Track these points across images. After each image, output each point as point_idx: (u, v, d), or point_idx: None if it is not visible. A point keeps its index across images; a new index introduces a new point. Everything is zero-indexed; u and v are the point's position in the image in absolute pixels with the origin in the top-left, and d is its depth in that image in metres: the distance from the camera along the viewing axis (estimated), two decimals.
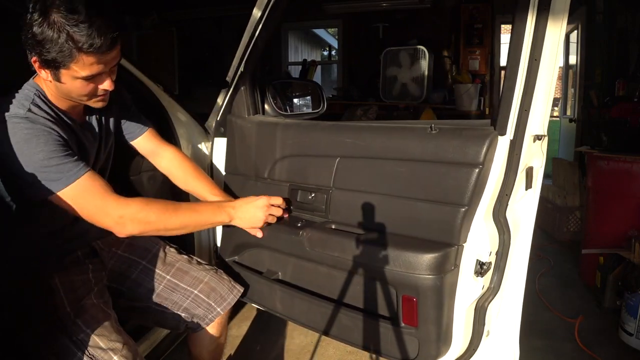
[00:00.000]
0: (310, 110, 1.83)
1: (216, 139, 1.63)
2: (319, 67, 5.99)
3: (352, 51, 5.43)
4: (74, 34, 0.90)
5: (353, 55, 5.42)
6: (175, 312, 1.25)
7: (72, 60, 0.93)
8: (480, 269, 1.07)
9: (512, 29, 0.97)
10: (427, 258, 1.04)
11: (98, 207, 1.02)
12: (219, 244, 1.63)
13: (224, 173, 1.58)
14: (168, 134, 1.51)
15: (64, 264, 1.12)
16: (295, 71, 6.01)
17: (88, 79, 0.98)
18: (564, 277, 2.70)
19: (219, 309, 1.27)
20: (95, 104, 1.07)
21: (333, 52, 8.58)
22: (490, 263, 1.08)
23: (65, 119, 1.06)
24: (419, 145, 1.10)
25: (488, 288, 1.12)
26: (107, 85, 1.02)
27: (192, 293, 1.26)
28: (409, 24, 4.81)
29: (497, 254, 1.10)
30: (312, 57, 7.07)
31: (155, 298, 1.25)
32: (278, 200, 1.27)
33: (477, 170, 1.01)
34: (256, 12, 1.29)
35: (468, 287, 1.08)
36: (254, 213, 1.23)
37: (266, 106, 1.56)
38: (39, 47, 0.91)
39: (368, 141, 1.19)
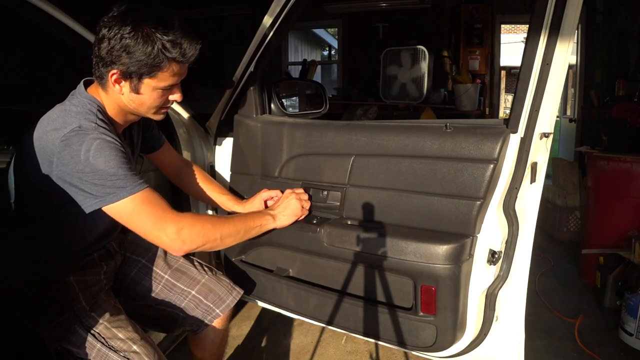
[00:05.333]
0: (313, 110, 1.83)
1: (219, 139, 1.63)
2: (319, 67, 5.99)
3: (352, 51, 5.43)
4: (167, 43, 0.96)
5: (353, 55, 5.42)
6: (174, 312, 1.26)
7: (162, 69, 0.98)
8: (492, 258, 1.14)
9: (527, 36, 1.04)
10: (446, 249, 1.10)
11: (157, 220, 1.00)
12: None
13: (228, 173, 1.58)
14: (168, 135, 1.51)
15: (80, 265, 1.14)
16: (295, 71, 6.01)
17: (166, 89, 1.03)
18: (564, 277, 2.70)
19: (217, 311, 1.27)
20: (158, 116, 1.11)
21: (333, 52, 8.58)
22: (501, 252, 1.15)
23: (120, 135, 1.08)
24: (435, 142, 1.15)
25: (498, 276, 1.18)
26: (178, 96, 1.07)
27: (189, 294, 1.26)
28: (409, 24, 4.81)
29: (506, 243, 1.16)
30: (312, 57, 7.07)
31: (153, 297, 1.26)
32: (300, 190, 1.32)
33: (492, 165, 1.08)
34: (267, 19, 1.31)
35: (481, 275, 1.16)
36: (289, 205, 1.28)
37: (272, 106, 1.57)
38: (129, 57, 0.95)
39: (384, 139, 1.23)
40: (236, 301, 1.31)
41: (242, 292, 1.33)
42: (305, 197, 1.33)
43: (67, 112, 0.99)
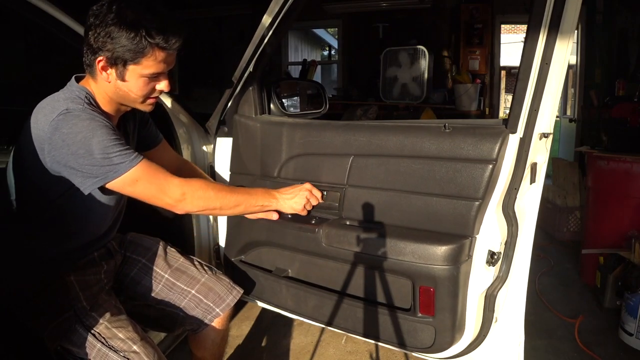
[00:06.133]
0: (313, 110, 1.83)
1: (219, 139, 1.63)
2: (319, 67, 5.99)
3: (352, 51, 5.43)
4: (151, 30, 0.97)
5: (353, 55, 5.42)
6: (174, 311, 1.26)
7: (145, 55, 0.99)
8: (491, 259, 1.13)
9: (526, 35, 1.03)
10: (444, 249, 1.09)
11: (160, 186, 1.05)
12: (221, 244, 1.64)
13: (227, 173, 1.58)
14: (168, 135, 1.51)
15: (81, 264, 1.14)
16: (295, 71, 6.01)
17: (152, 77, 1.03)
18: (564, 277, 2.70)
19: (217, 310, 1.27)
20: (146, 107, 1.11)
21: (333, 52, 8.58)
22: (500, 253, 1.14)
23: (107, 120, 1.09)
24: (434, 143, 1.15)
25: (497, 277, 1.18)
26: (164, 86, 1.08)
27: (189, 293, 1.26)
28: (409, 24, 4.81)
29: (505, 244, 1.16)
30: (312, 57, 7.07)
31: (153, 296, 1.26)
32: (318, 193, 1.32)
33: (490, 166, 1.08)
34: (266, 19, 1.31)
35: (480, 276, 1.15)
36: (296, 196, 1.28)
37: (271, 106, 1.57)
38: (113, 43, 0.96)
39: (383, 139, 1.23)
40: (236, 300, 1.31)
41: (242, 291, 1.33)
42: (315, 201, 1.31)
43: (56, 100, 1.01)
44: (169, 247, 1.34)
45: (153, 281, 1.27)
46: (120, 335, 1.04)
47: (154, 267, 1.28)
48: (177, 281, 1.27)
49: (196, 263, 1.33)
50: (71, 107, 0.97)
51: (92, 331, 1.03)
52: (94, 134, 0.96)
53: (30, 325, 1.07)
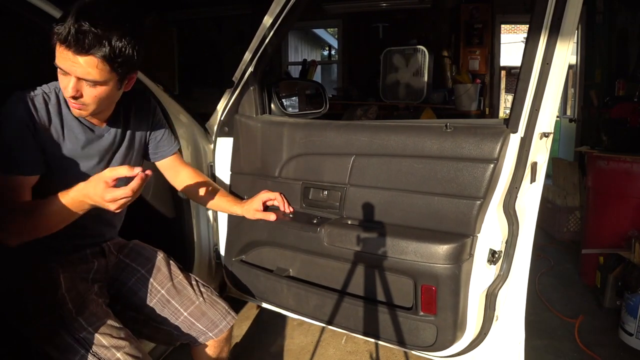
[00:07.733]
0: (313, 110, 1.84)
1: (219, 139, 1.63)
2: (319, 67, 5.99)
3: (352, 51, 5.43)
4: (67, 22, 0.88)
5: (353, 55, 5.41)
6: (168, 329, 1.23)
7: (52, 39, 0.91)
8: (492, 257, 1.14)
9: (527, 36, 1.04)
10: (446, 248, 1.10)
11: None
12: (221, 244, 1.64)
13: (228, 173, 1.58)
14: None
15: (71, 260, 1.13)
16: (295, 71, 6.00)
17: (61, 72, 0.95)
18: (564, 277, 2.70)
19: (210, 334, 1.25)
20: (72, 109, 1.02)
21: (333, 52, 8.58)
22: (501, 252, 1.15)
23: (74, 119, 1.06)
24: (435, 142, 1.15)
25: (498, 275, 1.18)
26: (64, 88, 0.96)
27: (182, 314, 1.23)
28: (409, 24, 4.81)
29: (506, 243, 1.16)
30: (312, 57, 7.07)
31: (148, 310, 1.23)
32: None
33: (492, 165, 1.08)
34: (267, 19, 1.32)
35: (481, 275, 1.16)
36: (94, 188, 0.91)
37: (272, 106, 1.57)
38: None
39: (384, 139, 1.23)
40: (230, 326, 1.27)
41: (236, 316, 1.30)
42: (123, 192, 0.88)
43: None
44: (171, 261, 1.31)
45: (149, 294, 1.24)
46: (105, 342, 1.00)
47: (151, 280, 1.25)
48: (172, 299, 1.24)
49: (194, 282, 1.29)
50: (32, 91, 0.99)
51: (76, 336, 1.00)
52: (6, 124, 0.97)
53: (16, 324, 1.04)
